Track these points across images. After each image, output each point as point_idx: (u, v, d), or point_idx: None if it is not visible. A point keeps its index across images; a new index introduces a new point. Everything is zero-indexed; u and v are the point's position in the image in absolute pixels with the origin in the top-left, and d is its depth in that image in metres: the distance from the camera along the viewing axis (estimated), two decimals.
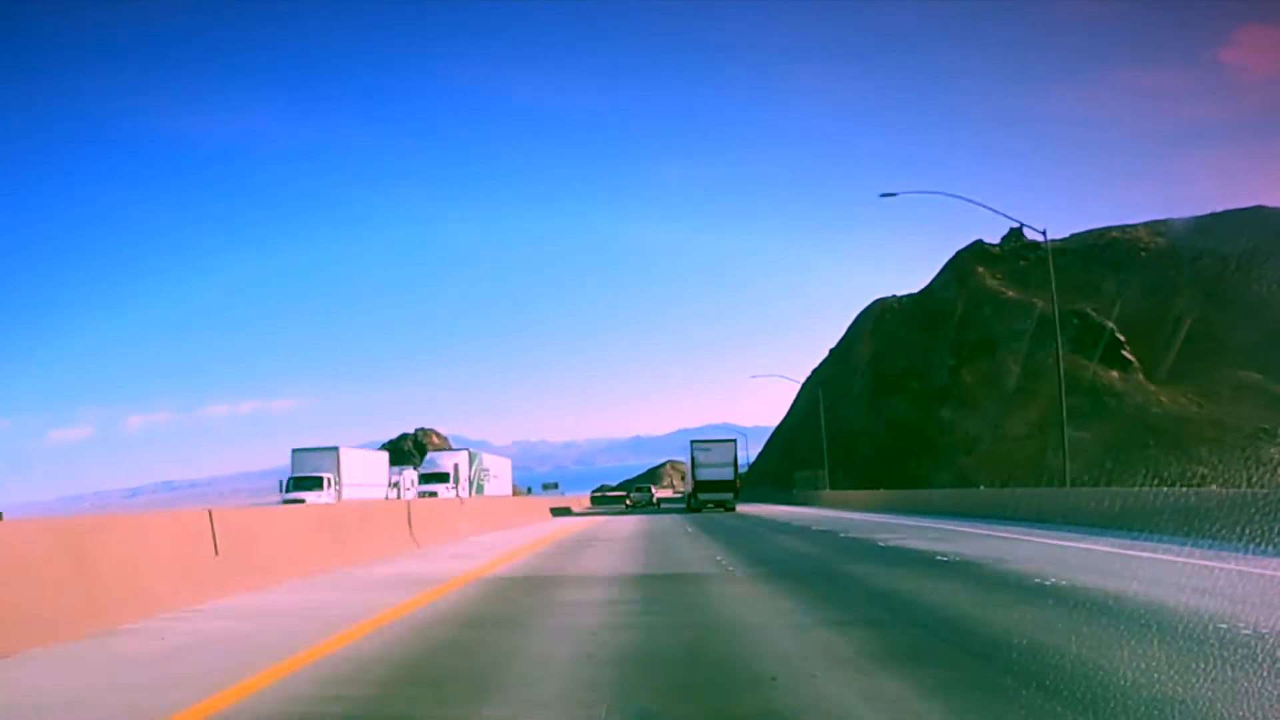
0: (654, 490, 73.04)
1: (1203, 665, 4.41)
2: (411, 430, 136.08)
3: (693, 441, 35.91)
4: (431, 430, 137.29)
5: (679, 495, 79.71)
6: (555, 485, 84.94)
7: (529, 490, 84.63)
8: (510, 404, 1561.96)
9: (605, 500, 69.11)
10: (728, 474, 35.03)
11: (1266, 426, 50.44)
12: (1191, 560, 9.64)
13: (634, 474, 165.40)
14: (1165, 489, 15.80)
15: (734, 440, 36.40)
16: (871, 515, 26.02)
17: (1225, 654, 4.60)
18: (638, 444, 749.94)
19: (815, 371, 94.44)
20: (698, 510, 34.56)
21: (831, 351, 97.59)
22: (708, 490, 35.09)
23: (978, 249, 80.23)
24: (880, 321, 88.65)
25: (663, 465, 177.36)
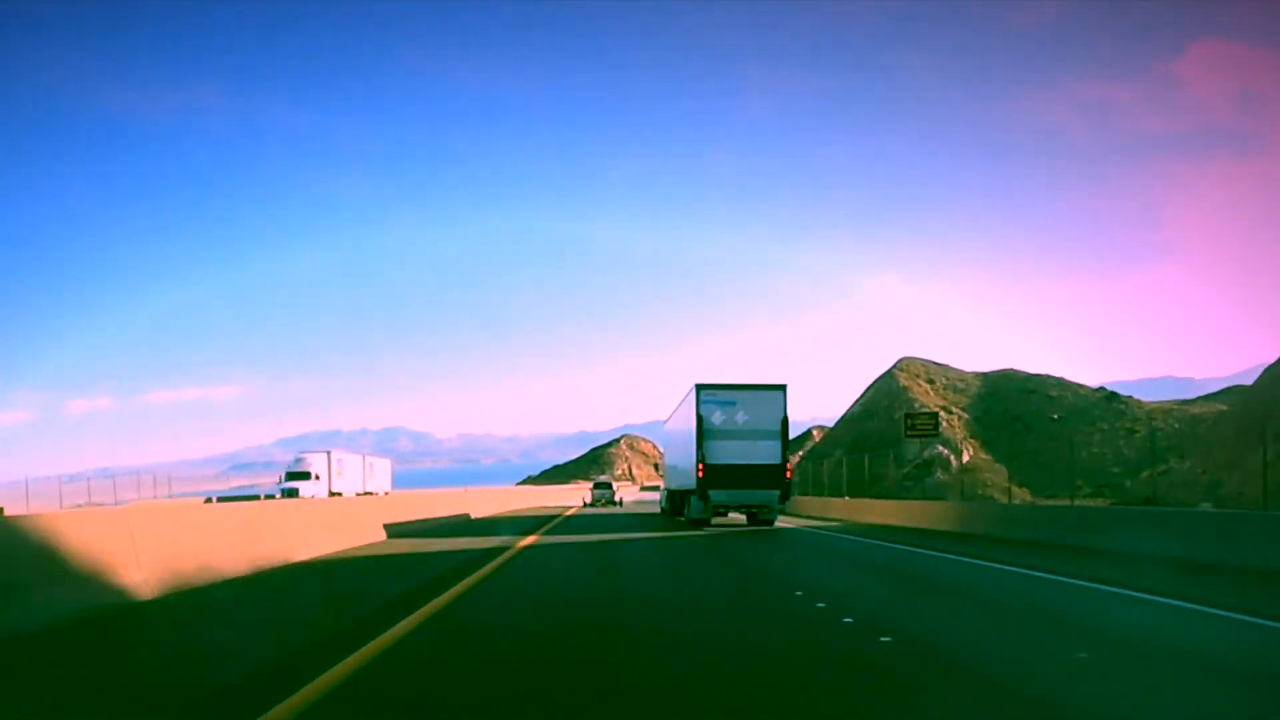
0: (615, 487, 50.30)
1: None
2: None
3: (699, 387, 19.98)
4: None
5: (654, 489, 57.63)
6: (299, 475, 40.48)
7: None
8: (455, 397, 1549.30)
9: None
10: (770, 451, 19.34)
11: None
12: None
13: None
14: None
15: (782, 387, 20.00)
16: None
17: None
18: (583, 439, 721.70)
19: None
20: (704, 521, 20.18)
21: None
22: (729, 481, 19.39)
23: None
24: None
25: (613, 444, 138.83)
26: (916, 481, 49.51)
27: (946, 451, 50.40)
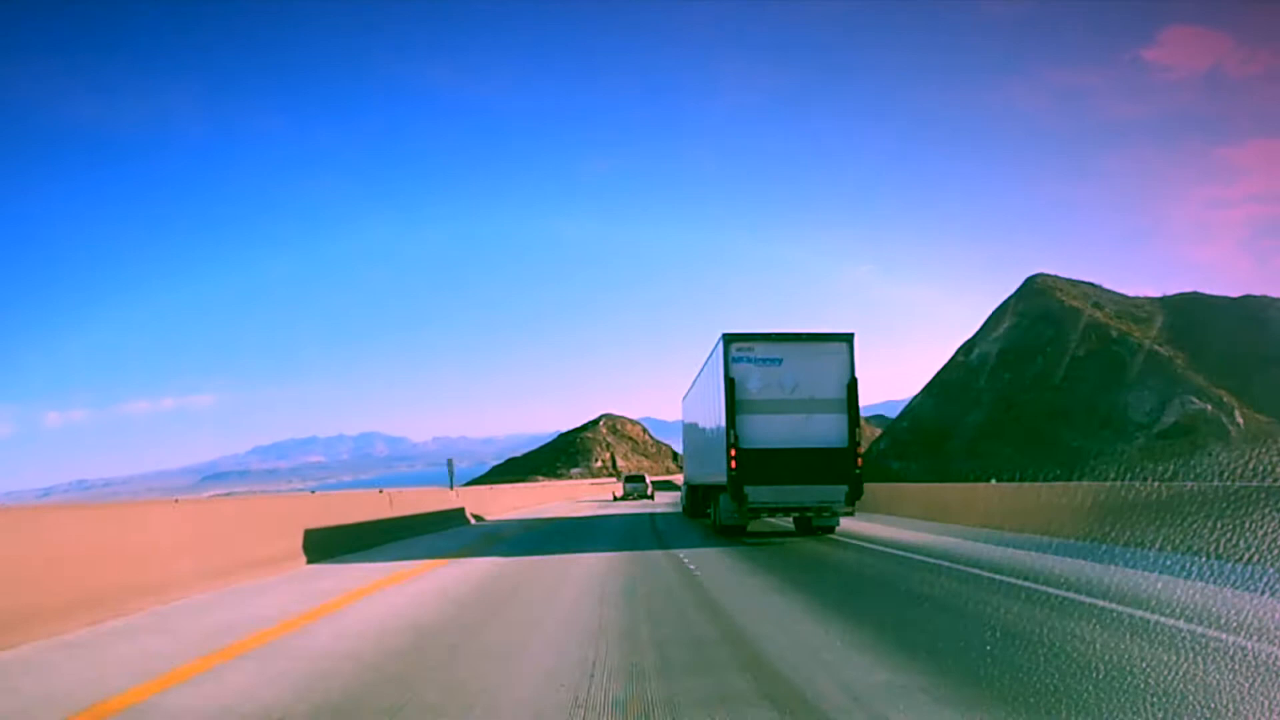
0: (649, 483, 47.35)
1: None
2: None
3: (728, 339, 14.17)
4: None
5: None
6: None
7: None
8: (430, 401, 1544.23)
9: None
10: (832, 428, 13.60)
11: None
12: None
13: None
14: None
15: (848, 337, 14.00)
16: None
17: None
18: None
19: None
20: (738, 529, 14.94)
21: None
22: (773, 474, 13.63)
23: None
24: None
25: (589, 428, 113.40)
26: (1177, 461, 27.70)
27: (1209, 408, 28.95)
